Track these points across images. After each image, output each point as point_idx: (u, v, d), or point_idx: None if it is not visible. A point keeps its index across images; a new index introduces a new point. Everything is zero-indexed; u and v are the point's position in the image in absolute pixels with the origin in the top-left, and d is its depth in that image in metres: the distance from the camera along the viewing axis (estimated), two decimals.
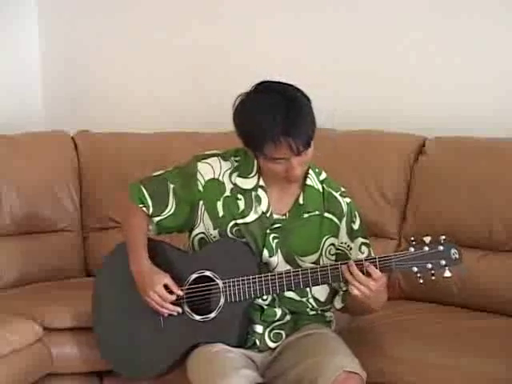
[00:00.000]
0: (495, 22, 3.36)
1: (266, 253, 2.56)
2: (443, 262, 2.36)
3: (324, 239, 2.58)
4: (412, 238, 2.40)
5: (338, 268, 2.43)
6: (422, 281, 2.38)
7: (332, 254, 2.59)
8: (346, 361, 2.41)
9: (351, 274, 2.38)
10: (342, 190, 2.63)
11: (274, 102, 2.39)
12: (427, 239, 2.38)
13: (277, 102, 2.39)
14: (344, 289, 2.59)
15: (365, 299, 2.41)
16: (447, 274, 2.37)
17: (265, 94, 2.43)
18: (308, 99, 2.45)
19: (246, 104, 2.45)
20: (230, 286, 2.53)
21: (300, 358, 2.48)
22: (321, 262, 2.57)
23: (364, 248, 2.59)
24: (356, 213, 2.62)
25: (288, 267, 2.55)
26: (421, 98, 3.52)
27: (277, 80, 2.48)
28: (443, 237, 2.38)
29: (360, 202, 2.69)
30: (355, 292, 2.38)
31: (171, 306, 2.57)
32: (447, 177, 3.15)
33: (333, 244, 2.59)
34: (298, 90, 2.46)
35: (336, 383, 2.34)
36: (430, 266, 2.37)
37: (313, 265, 2.55)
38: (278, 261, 2.57)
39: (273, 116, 2.37)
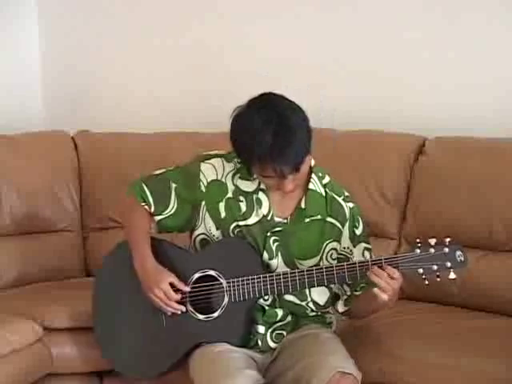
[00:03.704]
0: (495, 22, 3.36)
1: (265, 255, 2.56)
2: (449, 264, 2.37)
3: (325, 244, 2.57)
4: (417, 240, 2.40)
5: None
6: (427, 282, 2.39)
7: (334, 259, 2.58)
8: (340, 361, 2.41)
9: (378, 276, 2.37)
10: (346, 194, 2.61)
11: (264, 123, 2.34)
12: (432, 241, 2.38)
13: (267, 124, 2.34)
14: (348, 293, 2.58)
15: (387, 301, 2.39)
16: (452, 275, 2.38)
17: (258, 112, 2.38)
18: (304, 119, 2.40)
19: (239, 121, 2.42)
20: (234, 286, 2.52)
21: (298, 357, 2.48)
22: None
23: (367, 253, 2.58)
24: (359, 217, 2.60)
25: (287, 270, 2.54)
26: (421, 98, 3.51)
27: (277, 93, 2.43)
28: (448, 239, 2.38)
29: (360, 202, 2.68)
30: (383, 296, 2.36)
31: (176, 305, 2.56)
32: (447, 177, 3.15)
33: (335, 249, 2.58)
34: (295, 108, 2.40)
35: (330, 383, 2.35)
36: (435, 267, 2.37)
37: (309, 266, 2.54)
38: (277, 264, 2.56)
39: (261, 139, 2.34)
